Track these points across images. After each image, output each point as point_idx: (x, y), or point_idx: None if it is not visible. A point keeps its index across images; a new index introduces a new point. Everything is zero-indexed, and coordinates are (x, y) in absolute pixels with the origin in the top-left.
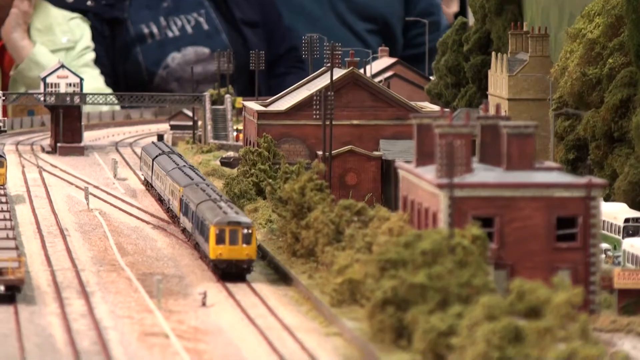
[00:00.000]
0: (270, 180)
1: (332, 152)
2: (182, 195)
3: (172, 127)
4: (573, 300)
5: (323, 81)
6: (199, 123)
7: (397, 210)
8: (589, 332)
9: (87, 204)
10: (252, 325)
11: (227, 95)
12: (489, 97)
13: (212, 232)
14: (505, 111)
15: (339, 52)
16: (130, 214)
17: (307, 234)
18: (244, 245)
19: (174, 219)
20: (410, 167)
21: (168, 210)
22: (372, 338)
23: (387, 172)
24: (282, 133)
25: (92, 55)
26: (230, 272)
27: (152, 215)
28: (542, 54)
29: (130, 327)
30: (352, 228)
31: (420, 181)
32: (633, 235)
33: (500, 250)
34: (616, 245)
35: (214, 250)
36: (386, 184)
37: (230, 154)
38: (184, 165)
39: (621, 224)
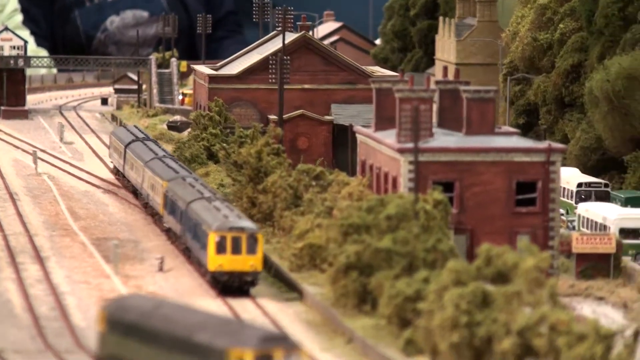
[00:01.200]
0: (225, 145)
1: (284, 116)
2: (167, 191)
3: (117, 91)
4: (541, 265)
5: (273, 45)
6: (144, 87)
7: (351, 174)
8: (557, 297)
9: (36, 168)
10: (212, 290)
11: (173, 59)
12: (436, 61)
13: (212, 239)
14: None
15: (291, 16)
16: (80, 178)
17: (264, 198)
18: (248, 255)
19: (124, 178)
20: (369, 131)
21: (145, 205)
22: (334, 303)
23: (339, 137)
24: (233, 97)
25: (20, 17)
26: (231, 286)
27: (101, 179)
28: (490, 19)
29: (87, 293)
30: (310, 193)
31: (380, 146)
32: (586, 200)
33: (460, 214)
34: (569, 209)
35: (213, 260)
36: (337, 148)
37: (177, 117)
38: (164, 156)
39: (574, 188)
